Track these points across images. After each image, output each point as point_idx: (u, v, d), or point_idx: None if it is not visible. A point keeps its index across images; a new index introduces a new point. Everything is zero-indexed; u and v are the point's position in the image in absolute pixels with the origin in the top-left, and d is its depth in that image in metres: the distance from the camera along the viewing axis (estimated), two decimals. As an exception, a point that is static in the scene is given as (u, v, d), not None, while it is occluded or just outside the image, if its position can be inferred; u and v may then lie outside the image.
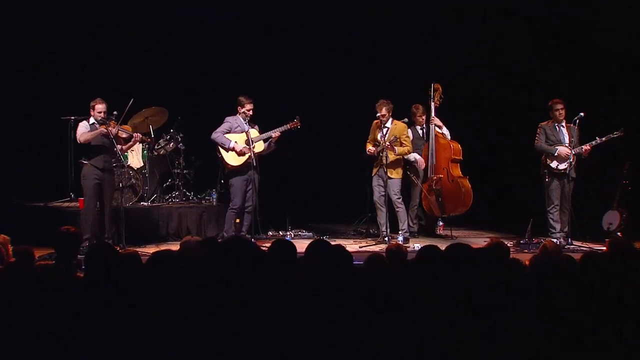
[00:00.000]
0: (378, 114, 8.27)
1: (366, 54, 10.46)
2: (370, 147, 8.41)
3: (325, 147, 10.43)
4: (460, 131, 9.20)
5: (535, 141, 8.30)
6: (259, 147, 8.12)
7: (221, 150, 8.17)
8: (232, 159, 8.15)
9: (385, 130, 8.29)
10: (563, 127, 8.18)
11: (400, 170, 8.43)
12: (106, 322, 2.98)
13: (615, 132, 7.95)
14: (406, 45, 10.30)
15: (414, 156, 8.87)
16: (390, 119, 8.35)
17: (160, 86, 9.86)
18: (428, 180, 8.83)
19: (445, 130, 8.92)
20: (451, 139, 8.91)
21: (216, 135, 8.16)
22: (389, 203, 8.35)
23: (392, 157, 8.19)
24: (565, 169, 8.06)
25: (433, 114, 8.86)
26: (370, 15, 10.27)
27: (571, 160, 8.02)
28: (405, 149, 8.36)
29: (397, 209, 8.36)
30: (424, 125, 9.05)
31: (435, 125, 8.84)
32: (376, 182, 8.44)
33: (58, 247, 4.48)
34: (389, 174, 8.24)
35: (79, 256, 4.79)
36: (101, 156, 7.62)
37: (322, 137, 10.40)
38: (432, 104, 8.86)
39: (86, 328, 2.97)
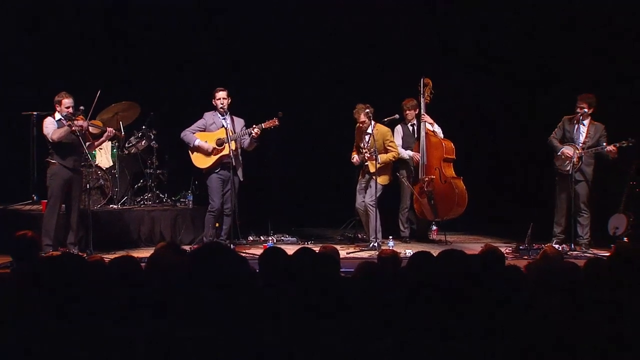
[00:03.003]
0: (358, 121, 8.29)
1: (355, 49, 10.43)
2: (354, 156, 8.42)
3: (310, 146, 10.41)
4: (454, 128, 9.19)
5: (551, 134, 8.34)
6: (231, 146, 7.93)
7: (189, 150, 8.17)
8: (198, 161, 8.11)
9: (367, 137, 8.29)
10: (584, 125, 8.15)
11: (386, 177, 8.42)
12: (66, 335, 2.94)
13: (623, 142, 7.92)
14: (396, 39, 10.28)
15: (408, 153, 8.87)
16: (372, 124, 8.31)
17: (130, 78, 9.79)
18: (419, 182, 8.81)
19: (436, 128, 8.88)
20: (444, 137, 8.88)
21: (184, 133, 8.18)
22: (379, 207, 8.34)
23: (372, 168, 8.19)
24: (568, 171, 8.07)
25: (423, 110, 8.82)
26: (362, 9, 10.24)
27: (574, 161, 8.03)
28: (390, 155, 8.35)
29: (369, 213, 8.33)
30: (415, 122, 9.02)
31: (426, 122, 8.81)
32: (359, 186, 8.47)
33: (14, 254, 4.42)
34: (374, 178, 8.23)
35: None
36: (71, 155, 7.57)
37: (306, 135, 10.37)
38: (422, 99, 8.83)
39: (44, 341, 2.92)
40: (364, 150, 8.28)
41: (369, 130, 8.28)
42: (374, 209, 8.25)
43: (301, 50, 10.37)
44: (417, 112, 8.92)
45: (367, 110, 8.22)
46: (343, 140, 8.87)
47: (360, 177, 8.53)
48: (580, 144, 8.08)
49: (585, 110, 8.04)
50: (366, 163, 8.31)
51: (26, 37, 9.71)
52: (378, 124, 8.37)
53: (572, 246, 7.99)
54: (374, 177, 8.20)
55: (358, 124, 8.39)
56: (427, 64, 9.68)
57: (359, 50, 10.38)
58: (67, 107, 7.51)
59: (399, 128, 8.98)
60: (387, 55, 10.29)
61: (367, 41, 10.32)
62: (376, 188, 8.19)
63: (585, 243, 8.14)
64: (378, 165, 8.14)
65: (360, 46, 10.37)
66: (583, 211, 8.20)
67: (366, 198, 8.36)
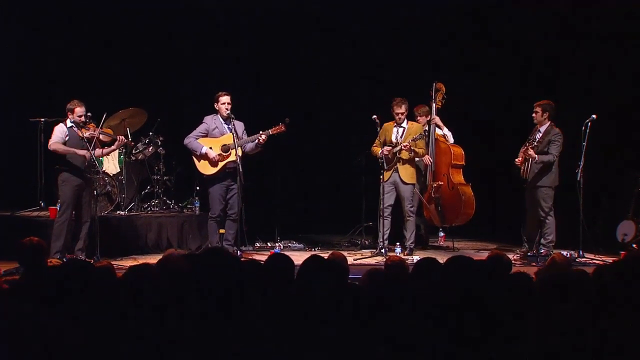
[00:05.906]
0: (398, 113, 8.29)
1: (363, 54, 10.45)
2: (385, 148, 8.31)
3: (318, 152, 10.42)
4: (466, 134, 9.19)
5: None
6: (238, 152, 7.91)
7: (194, 157, 8.15)
8: (205, 168, 8.10)
9: (401, 130, 8.34)
10: (540, 131, 8.12)
11: (414, 175, 8.42)
12: (77, 343, 2.95)
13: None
14: (407, 44, 10.30)
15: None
16: (405, 119, 8.39)
17: (137, 85, 9.83)
18: (428, 188, 8.81)
19: (446, 132, 8.89)
20: (455, 142, 8.87)
21: (188, 140, 8.12)
22: (394, 212, 8.36)
23: (405, 156, 8.22)
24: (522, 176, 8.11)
25: (434, 114, 8.83)
26: (369, 12, 10.27)
27: (518, 165, 8.10)
28: (421, 151, 8.38)
29: (408, 219, 8.36)
30: (427, 128, 8.98)
31: (436, 125, 8.81)
32: (388, 189, 8.36)
33: (22, 261, 4.44)
34: (402, 179, 8.27)
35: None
36: (81, 162, 7.60)
37: (314, 141, 10.39)
38: (433, 104, 8.83)
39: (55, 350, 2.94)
40: (397, 142, 8.25)
41: (404, 125, 8.34)
42: (413, 215, 8.39)
43: (306, 53, 10.40)
44: (428, 119, 8.87)
45: (406, 102, 8.34)
46: (351, 146, 8.87)
47: (386, 175, 8.35)
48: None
49: (534, 115, 8.11)
50: (399, 156, 8.27)
51: (32, 43, 9.76)
52: (411, 121, 8.48)
53: (581, 252, 7.97)
54: (401, 176, 8.23)
55: (390, 122, 8.40)
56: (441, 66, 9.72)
57: (362, 51, 10.42)
58: (80, 116, 7.56)
59: None
60: (396, 59, 10.33)
61: (370, 43, 10.36)
62: (409, 191, 8.29)
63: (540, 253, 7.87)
64: (409, 157, 8.23)
65: (363, 47, 10.41)
66: (541, 217, 8.13)
67: (404, 205, 8.36)
